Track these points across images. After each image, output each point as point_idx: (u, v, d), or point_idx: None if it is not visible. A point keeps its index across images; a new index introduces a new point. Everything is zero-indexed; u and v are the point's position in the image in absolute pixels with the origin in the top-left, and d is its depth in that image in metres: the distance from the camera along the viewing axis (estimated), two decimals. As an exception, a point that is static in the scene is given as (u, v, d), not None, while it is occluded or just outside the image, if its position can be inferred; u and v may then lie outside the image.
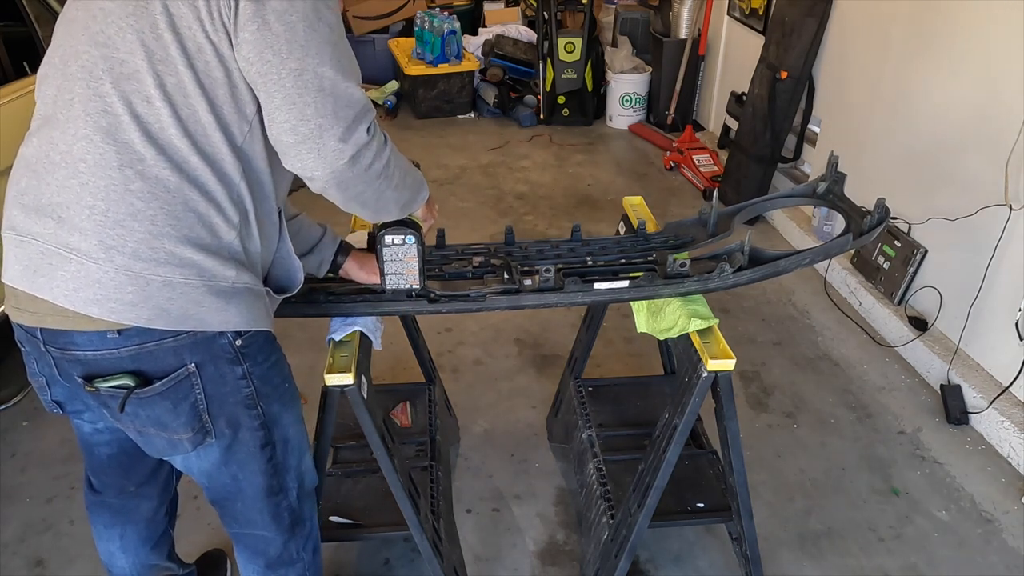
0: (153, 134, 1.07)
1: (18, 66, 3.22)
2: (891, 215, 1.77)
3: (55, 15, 3.06)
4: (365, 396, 1.49)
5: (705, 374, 1.48)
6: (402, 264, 1.32)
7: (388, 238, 1.29)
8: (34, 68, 3.00)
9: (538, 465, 2.35)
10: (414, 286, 1.35)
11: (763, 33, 4.04)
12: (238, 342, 1.18)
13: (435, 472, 1.99)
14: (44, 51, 3.21)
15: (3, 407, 2.51)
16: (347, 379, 1.44)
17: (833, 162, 1.72)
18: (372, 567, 2.01)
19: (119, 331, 1.10)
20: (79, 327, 1.10)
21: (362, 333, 1.54)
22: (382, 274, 1.34)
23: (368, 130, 1.10)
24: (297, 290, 1.31)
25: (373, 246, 1.46)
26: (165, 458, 1.29)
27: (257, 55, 1.05)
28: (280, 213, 1.25)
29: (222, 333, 1.16)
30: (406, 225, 1.31)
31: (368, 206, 1.22)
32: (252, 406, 1.24)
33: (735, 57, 4.57)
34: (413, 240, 1.29)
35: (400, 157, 1.22)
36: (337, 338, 1.52)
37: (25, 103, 2.67)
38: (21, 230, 1.12)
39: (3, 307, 1.22)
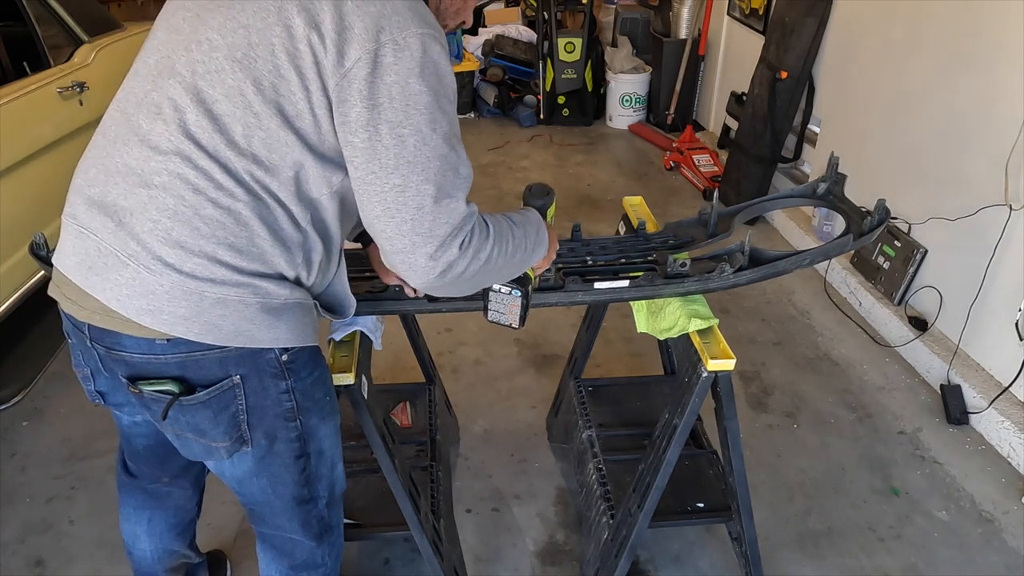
0: (232, 171, 1.06)
1: (18, 66, 3.23)
2: (891, 215, 1.76)
3: (55, 15, 3.07)
4: (365, 396, 1.49)
5: (705, 374, 1.47)
6: (504, 306, 1.35)
7: (496, 285, 1.33)
8: (34, 68, 3.00)
9: (538, 465, 2.35)
10: (513, 325, 1.38)
11: (763, 33, 4.04)
12: (284, 357, 1.18)
13: (435, 472, 1.99)
14: (44, 51, 3.19)
15: (3, 407, 2.50)
16: (347, 379, 1.44)
17: (833, 163, 1.72)
18: (372, 567, 2.01)
19: (167, 338, 1.10)
20: (128, 331, 1.10)
21: (362, 333, 1.54)
22: (485, 308, 1.37)
23: (462, 244, 1.08)
24: (348, 316, 1.32)
25: None
26: (199, 460, 1.29)
27: (364, 163, 1.04)
28: (341, 253, 1.25)
29: (270, 348, 1.15)
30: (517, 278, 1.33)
31: (466, 293, 1.22)
32: (291, 419, 1.23)
33: (735, 57, 4.57)
34: (519, 295, 1.33)
35: (506, 240, 1.17)
36: (337, 338, 1.52)
37: (27, 102, 2.67)
38: (82, 221, 1.11)
39: (50, 293, 1.22)
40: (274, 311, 1.12)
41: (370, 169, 1.04)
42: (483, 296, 1.35)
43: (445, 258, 1.07)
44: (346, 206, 1.16)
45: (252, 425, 1.20)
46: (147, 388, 1.14)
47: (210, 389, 1.14)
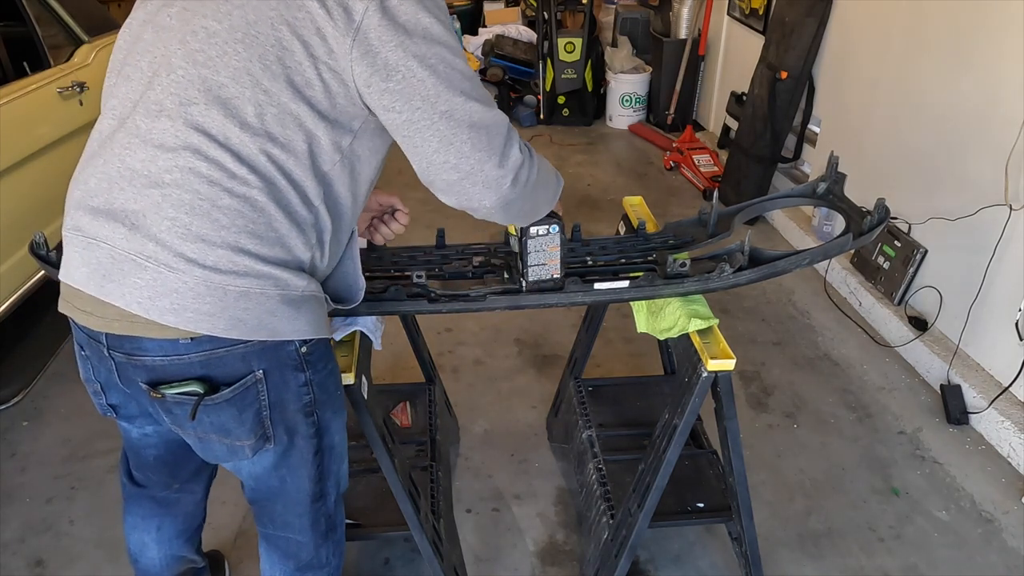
0: (244, 157, 1.06)
1: (18, 66, 3.22)
2: (891, 215, 1.76)
3: (55, 15, 3.07)
4: (365, 396, 1.49)
5: (705, 374, 1.47)
6: (545, 255, 1.37)
7: (533, 229, 1.34)
8: (34, 68, 3.00)
9: (538, 465, 2.35)
10: (555, 276, 1.39)
11: (763, 33, 4.04)
12: (303, 349, 1.18)
13: (435, 472, 1.99)
14: (44, 51, 3.19)
15: (3, 407, 2.51)
16: (347, 379, 1.44)
17: (833, 162, 1.72)
18: (372, 567, 2.01)
19: (191, 337, 1.09)
20: (149, 334, 1.08)
21: (362, 333, 1.54)
22: (525, 265, 1.38)
23: (519, 148, 1.14)
24: (356, 304, 1.32)
25: None
26: (220, 463, 1.28)
27: (406, 102, 1.07)
28: (352, 234, 1.26)
29: (290, 340, 1.15)
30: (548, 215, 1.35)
31: (527, 217, 1.28)
32: (310, 413, 1.24)
33: (735, 57, 4.58)
34: (557, 229, 1.34)
35: (540, 159, 1.24)
36: (337, 338, 1.52)
37: (27, 102, 2.67)
38: (89, 232, 1.08)
39: (61, 310, 1.20)
40: (294, 303, 1.12)
41: (414, 106, 1.07)
42: (521, 258, 1.36)
43: (511, 163, 1.12)
44: (355, 175, 1.17)
45: (274, 421, 1.20)
46: (170, 391, 1.12)
47: (234, 386, 1.13)
